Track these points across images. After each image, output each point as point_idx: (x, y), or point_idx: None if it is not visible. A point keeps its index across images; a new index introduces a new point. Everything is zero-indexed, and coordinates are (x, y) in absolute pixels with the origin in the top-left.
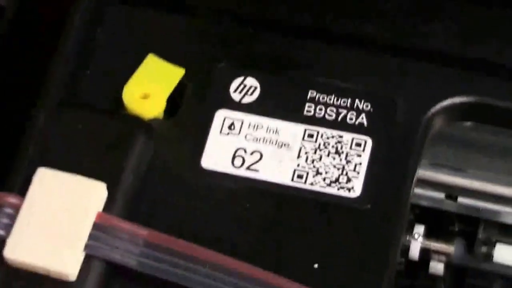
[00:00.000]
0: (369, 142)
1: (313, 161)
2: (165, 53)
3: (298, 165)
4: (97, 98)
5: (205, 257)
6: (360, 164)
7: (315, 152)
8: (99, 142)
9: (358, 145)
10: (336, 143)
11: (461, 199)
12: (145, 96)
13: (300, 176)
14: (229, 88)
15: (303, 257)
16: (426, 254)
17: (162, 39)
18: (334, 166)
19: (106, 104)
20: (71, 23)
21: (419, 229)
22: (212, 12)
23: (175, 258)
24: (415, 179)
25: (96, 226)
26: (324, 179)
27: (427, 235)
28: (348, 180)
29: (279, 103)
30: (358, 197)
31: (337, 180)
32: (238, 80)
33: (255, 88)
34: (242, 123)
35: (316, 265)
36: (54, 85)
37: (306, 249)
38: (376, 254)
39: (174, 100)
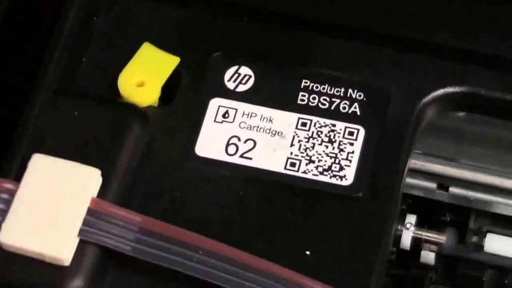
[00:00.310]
0: (362, 131)
1: (306, 150)
2: (160, 42)
3: (291, 153)
4: (93, 85)
5: (198, 243)
6: (353, 152)
7: (308, 141)
8: (94, 129)
9: (351, 134)
10: (329, 132)
11: (452, 189)
12: (140, 84)
13: (293, 164)
14: (223, 77)
15: (295, 244)
16: (417, 243)
17: (158, 28)
18: (327, 155)
19: (101, 91)
20: (67, 12)
21: (411, 219)
22: (208, 2)
23: (169, 244)
24: (406, 168)
25: (90, 212)
26: (316, 167)
27: (419, 224)
28: (341, 168)
29: (273, 92)
30: (350, 185)
31: (329, 168)
32: (233, 69)
33: (250, 77)
34: (236, 111)
35: (308, 252)
36: (50, 72)
37: (298, 236)
38: (368, 241)
39: (169, 88)
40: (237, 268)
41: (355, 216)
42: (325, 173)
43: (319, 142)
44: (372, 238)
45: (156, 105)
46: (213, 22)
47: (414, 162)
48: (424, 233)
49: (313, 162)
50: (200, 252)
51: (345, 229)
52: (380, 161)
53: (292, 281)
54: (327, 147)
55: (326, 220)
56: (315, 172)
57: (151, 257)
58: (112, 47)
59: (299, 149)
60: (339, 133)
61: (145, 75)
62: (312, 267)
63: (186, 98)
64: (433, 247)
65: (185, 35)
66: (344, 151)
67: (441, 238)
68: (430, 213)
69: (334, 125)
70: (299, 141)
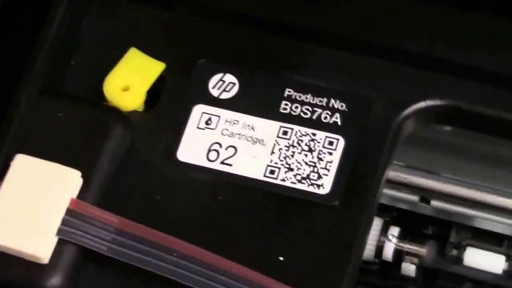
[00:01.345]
0: (342, 141)
1: (286, 158)
2: (148, 47)
3: (271, 161)
4: (80, 88)
5: (172, 245)
6: (331, 162)
7: (288, 149)
8: (77, 131)
9: (331, 143)
10: (309, 141)
11: (434, 203)
12: (126, 89)
13: (272, 172)
14: (208, 84)
15: (270, 250)
16: (399, 255)
17: (146, 33)
18: (306, 163)
19: (88, 94)
20: (56, 13)
21: (394, 231)
22: (195, 8)
23: (143, 246)
24: (383, 179)
25: (69, 212)
26: (295, 176)
27: (401, 236)
28: (319, 177)
29: (256, 100)
30: (327, 194)
31: (308, 176)
32: (217, 76)
33: (234, 84)
34: (219, 118)
35: (281, 258)
36: (36, 73)
37: (273, 242)
38: (340, 249)
39: (155, 94)
40: (210, 271)
41: (330, 224)
42: (303, 181)
43: (299, 150)
44: (344, 247)
45: (141, 109)
46: (199, 29)
47: (397, 175)
48: (405, 245)
49: (292, 170)
50: (174, 254)
51: (319, 237)
52: (358, 172)
53: (263, 285)
54: (306, 156)
55: (301, 227)
56: (294, 180)
57: (126, 257)
58: (100, 50)
59: (279, 157)
60: (319, 142)
61: (131, 80)
62: (285, 273)
63: (170, 104)
64: (414, 259)
65: (171, 41)
66: (323, 160)
67: (422, 250)
68: (413, 225)
69: (314, 135)
70: (280, 149)
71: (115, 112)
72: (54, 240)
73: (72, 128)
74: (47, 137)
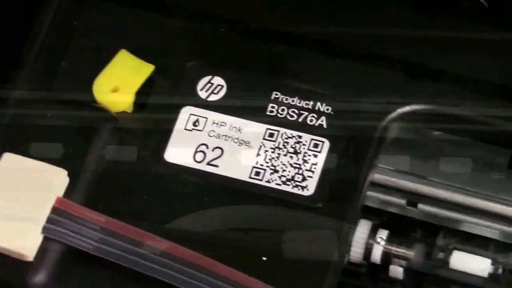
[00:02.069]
0: (327, 143)
1: (271, 159)
2: (139, 49)
3: (257, 162)
4: (70, 89)
5: (158, 245)
6: (316, 164)
7: (274, 151)
8: (65, 131)
9: (316, 146)
10: (295, 143)
11: (421, 206)
12: (115, 90)
13: (257, 173)
14: (196, 86)
15: (253, 250)
16: (387, 258)
17: (137, 36)
18: (291, 165)
19: (78, 95)
20: (47, 14)
21: (383, 234)
22: (186, 12)
23: (130, 245)
24: (367, 182)
25: (55, 210)
26: (280, 177)
27: (390, 239)
28: (303, 179)
29: (243, 103)
30: (311, 196)
31: (292, 178)
32: (206, 78)
33: (222, 87)
34: (206, 120)
35: (264, 258)
36: (27, 73)
37: (257, 242)
38: (323, 250)
39: (144, 95)
40: (193, 270)
41: (314, 225)
42: (287, 183)
43: (285, 153)
44: (327, 246)
45: (130, 110)
46: (189, 32)
47: (385, 178)
48: (394, 248)
49: (277, 172)
50: (160, 254)
51: (302, 238)
52: (342, 174)
53: (245, 285)
54: (291, 157)
55: (285, 228)
56: (278, 181)
57: (112, 256)
58: (90, 52)
59: (264, 159)
60: (305, 144)
61: (120, 81)
62: (267, 273)
63: (159, 105)
64: (402, 262)
65: (161, 43)
66: (308, 162)
67: (410, 253)
68: (402, 229)
69: (300, 137)
70: (265, 151)
71: (104, 113)
72: (40, 238)
73: (61, 128)
74: (35, 137)
